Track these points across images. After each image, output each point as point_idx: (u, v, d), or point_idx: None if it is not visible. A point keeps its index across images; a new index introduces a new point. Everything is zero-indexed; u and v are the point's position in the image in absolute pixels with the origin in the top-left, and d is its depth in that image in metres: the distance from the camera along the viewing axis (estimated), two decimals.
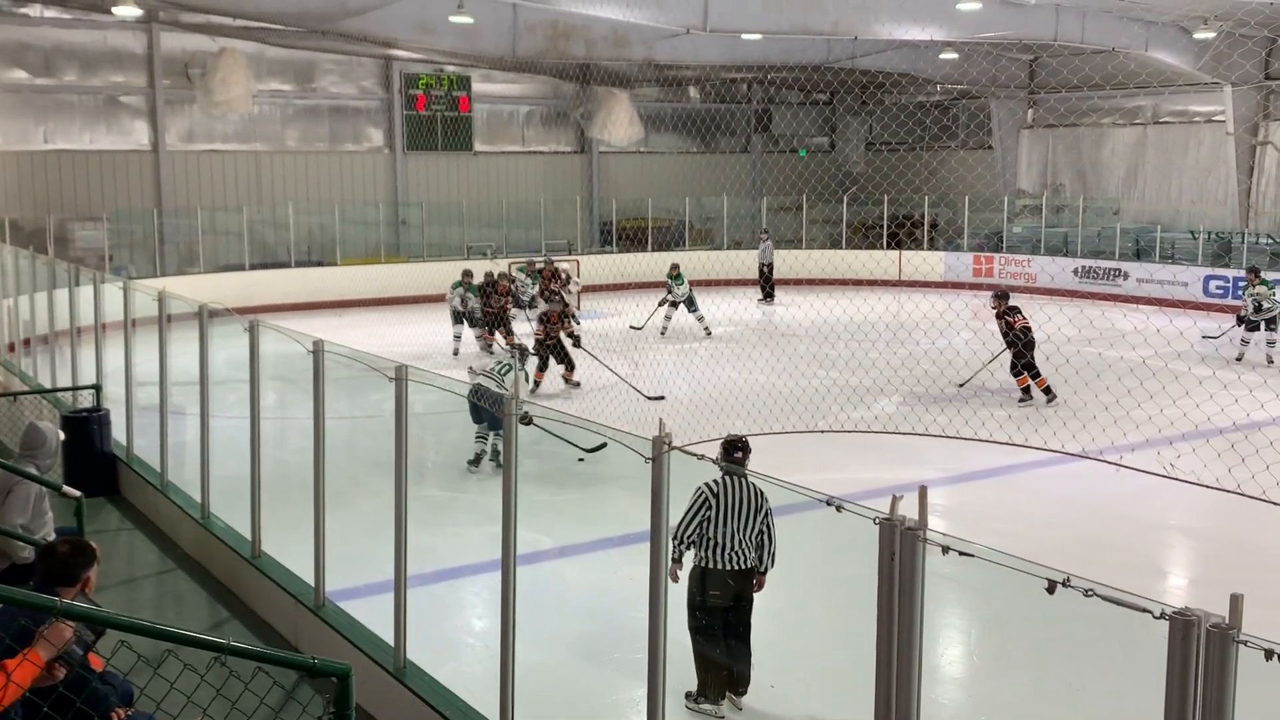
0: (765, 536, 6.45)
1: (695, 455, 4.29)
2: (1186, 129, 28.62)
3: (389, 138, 29.09)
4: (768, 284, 26.51)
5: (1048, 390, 14.61)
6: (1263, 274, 18.43)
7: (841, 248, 30.27)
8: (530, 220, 29.88)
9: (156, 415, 9.95)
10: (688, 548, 6.43)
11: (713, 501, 6.31)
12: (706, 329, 21.04)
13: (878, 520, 3.30)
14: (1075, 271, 27.00)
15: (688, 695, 6.45)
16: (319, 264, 26.95)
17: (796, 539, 8.42)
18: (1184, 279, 24.94)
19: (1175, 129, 28.87)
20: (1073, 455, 11.84)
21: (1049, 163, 31.68)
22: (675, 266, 21.40)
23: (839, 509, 3.55)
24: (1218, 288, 24.48)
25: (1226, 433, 11.90)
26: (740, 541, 6.36)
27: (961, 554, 3.10)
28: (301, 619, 7.16)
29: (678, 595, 6.34)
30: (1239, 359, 17.67)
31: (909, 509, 3.33)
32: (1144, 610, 2.72)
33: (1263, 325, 17.76)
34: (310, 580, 7.13)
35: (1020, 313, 15.01)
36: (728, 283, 25.78)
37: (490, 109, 30.60)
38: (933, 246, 30.62)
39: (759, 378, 15.82)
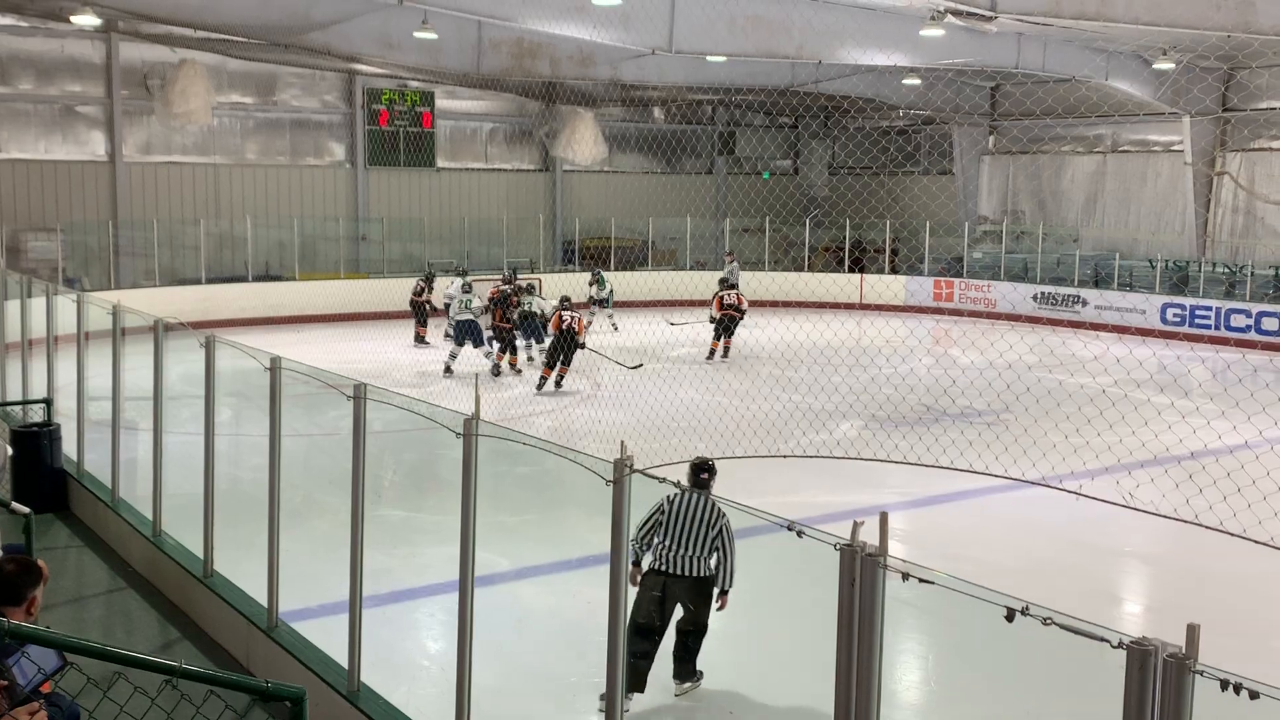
0: (722, 554, 6.75)
1: (657, 478, 4.29)
2: (1145, 158, 29.08)
3: (351, 152, 28.99)
4: None
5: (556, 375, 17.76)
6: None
7: (804, 270, 30.44)
8: (492, 237, 29.88)
9: (108, 430, 9.83)
10: (643, 550, 6.83)
11: (666, 508, 6.78)
12: (615, 325, 23.73)
13: (838, 546, 3.31)
14: (1035, 298, 27.31)
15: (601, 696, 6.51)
16: (278, 279, 26.75)
17: (756, 563, 8.43)
18: (1142, 307, 25.29)
19: (1134, 158, 29.33)
20: (1031, 483, 11.94)
21: (1009, 189, 32.07)
22: (598, 272, 25.12)
23: (800, 534, 3.56)
24: (1175, 316, 24.84)
25: (1184, 462, 12.05)
26: (682, 549, 6.72)
27: (921, 581, 3.12)
28: (254, 640, 7.07)
29: None
30: None
31: (870, 534, 3.34)
32: (1102, 639, 2.74)
33: None
34: (263, 600, 7.05)
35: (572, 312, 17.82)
36: (690, 303, 25.83)
37: (454, 125, 30.58)
38: (894, 271, 30.87)
39: (721, 400, 15.85)
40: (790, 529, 3.59)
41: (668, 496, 6.75)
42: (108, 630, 7.99)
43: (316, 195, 28.48)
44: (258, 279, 26.37)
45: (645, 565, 6.85)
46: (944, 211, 31.38)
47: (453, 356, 19.02)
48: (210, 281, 25.57)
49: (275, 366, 6.86)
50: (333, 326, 23.79)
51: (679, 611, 6.87)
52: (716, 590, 6.79)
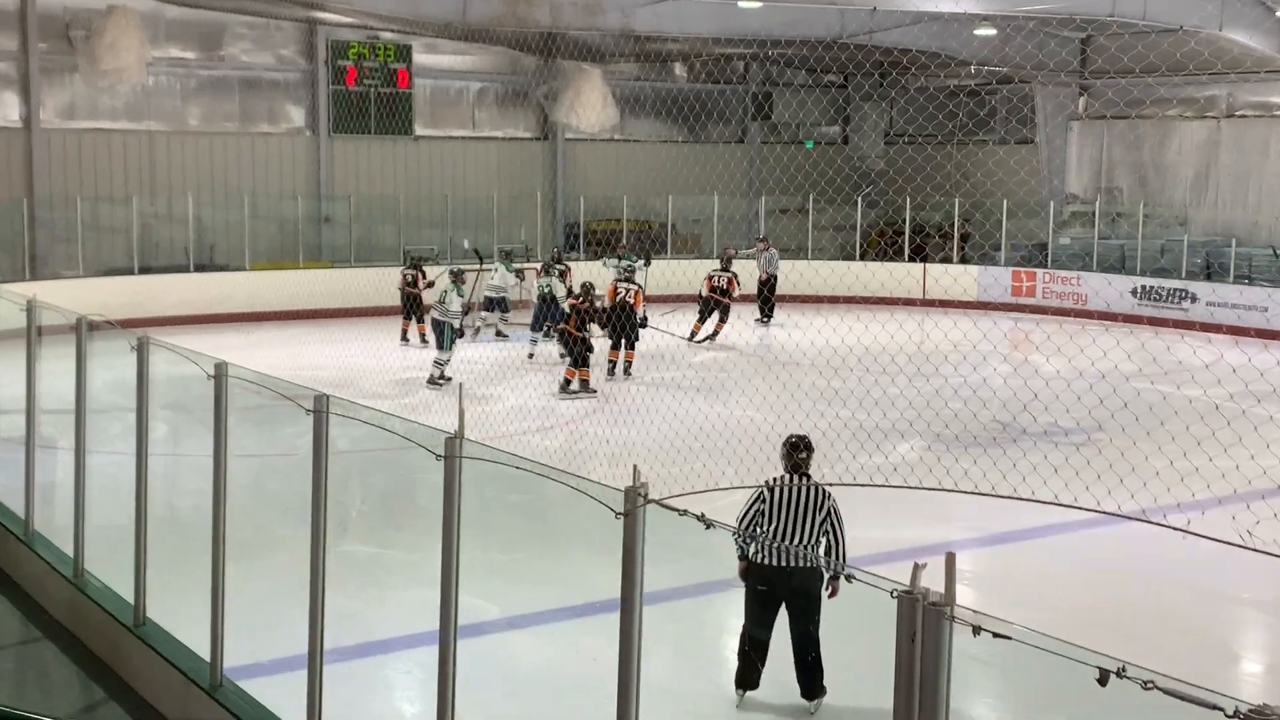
0: (833, 537, 7.47)
1: (676, 510, 4.28)
2: (1267, 124, 28.97)
3: (311, 117, 29.08)
4: (767, 302, 26.59)
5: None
6: None
7: (855, 259, 30.40)
8: (481, 219, 29.90)
9: (21, 450, 9.87)
10: (748, 544, 7.49)
11: (766, 496, 7.57)
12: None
13: (896, 593, 3.30)
14: (1134, 292, 27.21)
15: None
16: (224, 268, 26.88)
17: None
18: (1263, 304, 25.13)
19: (1254, 124, 29.23)
20: (1127, 518, 11.88)
21: (1103, 162, 31.98)
22: (623, 246, 26.11)
23: (849, 578, 3.57)
24: None
25: None
26: (790, 539, 7.41)
27: (996, 635, 3.11)
28: (194, 701, 7.10)
29: (652, 675, 6.33)
30: None
31: (933, 578, 3.34)
32: (1215, 707, 2.73)
33: None
34: (205, 654, 7.08)
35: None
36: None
37: (435, 85, 30.66)
38: (964, 260, 30.80)
39: (753, 415, 15.84)
40: (838, 573, 3.59)
41: (766, 483, 7.67)
42: (19, 690, 8.02)
43: (271, 168, 28.58)
44: (200, 268, 26.47)
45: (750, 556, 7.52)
46: (1024, 189, 31.32)
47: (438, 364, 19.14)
48: (144, 271, 25.69)
49: (220, 373, 6.90)
50: (290, 325, 23.86)
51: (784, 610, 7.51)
52: (827, 576, 7.31)
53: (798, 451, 7.79)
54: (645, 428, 15.02)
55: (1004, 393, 16.13)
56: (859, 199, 31.23)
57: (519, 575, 10.34)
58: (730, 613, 8.87)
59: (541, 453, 13.99)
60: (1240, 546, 11.00)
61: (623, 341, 19.36)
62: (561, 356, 20.59)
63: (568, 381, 18.14)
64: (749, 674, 7.57)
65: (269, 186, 28.41)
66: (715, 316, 23.39)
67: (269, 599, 8.73)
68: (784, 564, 7.39)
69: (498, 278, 23.79)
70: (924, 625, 3.26)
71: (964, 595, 3.36)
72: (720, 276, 23.43)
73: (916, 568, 3.33)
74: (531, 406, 17.34)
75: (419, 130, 30.38)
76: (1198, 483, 12.48)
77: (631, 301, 19.38)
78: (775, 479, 7.70)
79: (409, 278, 23.09)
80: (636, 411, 16.07)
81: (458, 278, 19.98)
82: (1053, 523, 11.92)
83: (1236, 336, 23.17)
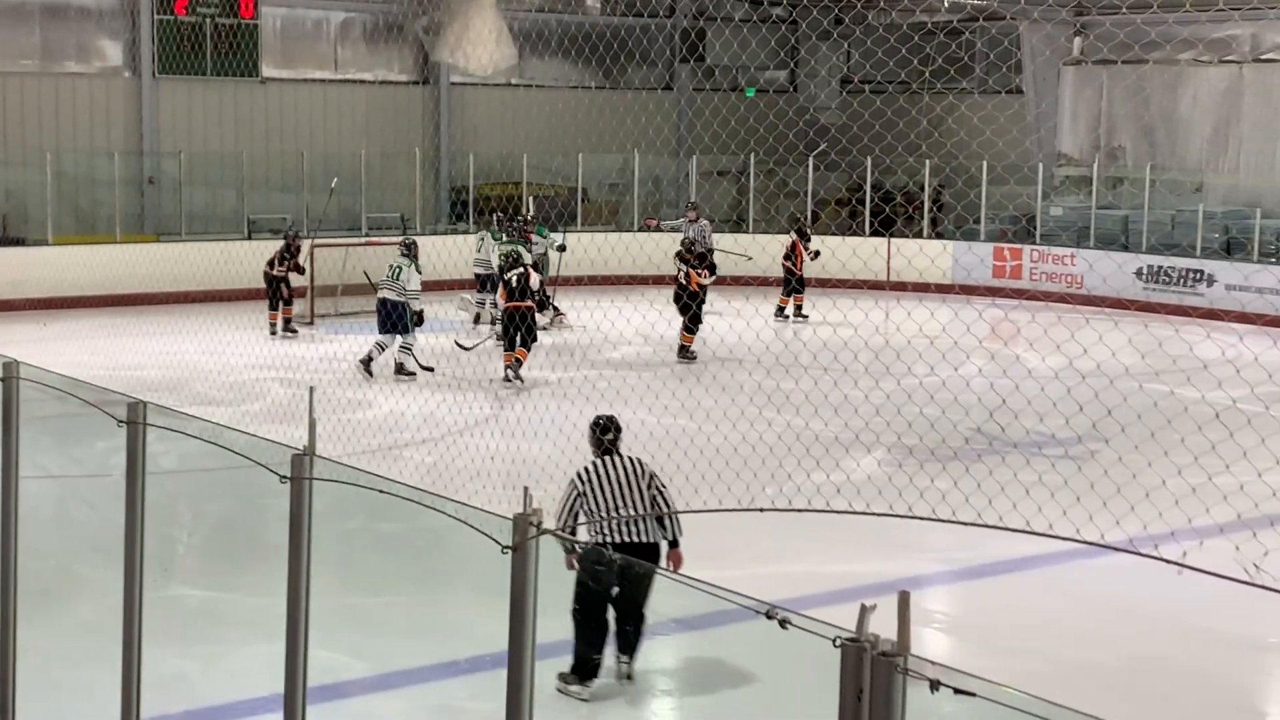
0: (663, 503, 8.64)
1: (576, 542, 4.30)
2: None
3: (131, 55, 28.74)
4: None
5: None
6: None
7: (805, 234, 30.52)
8: (346, 183, 29.67)
9: None
10: (573, 534, 8.06)
11: (582, 487, 8.56)
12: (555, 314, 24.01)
13: (839, 641, 3.32)
14: (1138, 273, 27.55)
15: (559, 675, 8.23)
16: (20, 242, 26.60)
17: (728, 664, 8.46)
18: None
19: None
20: (1110, 548, 12.00)
21: (1103, 115, 32.32)
22: (534, 217, 26.26)
23: (784, 624, 3.57)
24: None
25: None
26: (622, 510, 8.36)
27: (958, 692, 3.14)
28: None
29: None
30: None
31: (886, 622, 3.36)
32: None
33: None
34: None
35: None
36: (638, 280, 25.84)
37: (287, 15, 30.45)
38: (937, 233, 31.01)
39: (678, 424, 15.89)
40: (770, 616, 3.59)
41: (579, 476, 8.67)
42: None
43: (80, 118, 28.22)
44: None
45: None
46: (1008, 147, 31.60)
47: (379, 348, 19.48)
48: None
49: (10, 374, 6.81)
50: (102, 314, 23.57)
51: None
52: (666, 544, 8.50)
53: (606, 433, 8.89)
54: (544, 439, 14.98)
55: (967, 397, 16.27)
56: (810, 159, 31.38)
57: (389, 624, 10.33)
58: (652, 667, 8.92)
59: (418, 471, 13.94)
60: (1245, 583, 11.18)
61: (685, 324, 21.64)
62: (501, 339, 20.52)
63: (519, 363, 19.03)
64: (589, 666, 8.25)
65: (77, 141, 28.06)
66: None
67: (73, 658, 8.63)
68: (618, 540, 8.26)
69: (484, 250, 24.02)
70: (873, 679, 3.28)
71: (935, 642, 3.41)
72: (788, 241, 26.40)
73: (864, 610, 3.34)
74: (409, 413, 17.25)
75: (267, 71, 30.14)
76: (1195, 506, 12.62)
77: (685, 283, 21.67)
78: (586, 468, 8.74)
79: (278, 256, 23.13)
80: (536, 420, 16.04)
81: (412, 251, 19.91)
82: (1042, 552, 12.03)
83: (1260, 325, 23.53)
